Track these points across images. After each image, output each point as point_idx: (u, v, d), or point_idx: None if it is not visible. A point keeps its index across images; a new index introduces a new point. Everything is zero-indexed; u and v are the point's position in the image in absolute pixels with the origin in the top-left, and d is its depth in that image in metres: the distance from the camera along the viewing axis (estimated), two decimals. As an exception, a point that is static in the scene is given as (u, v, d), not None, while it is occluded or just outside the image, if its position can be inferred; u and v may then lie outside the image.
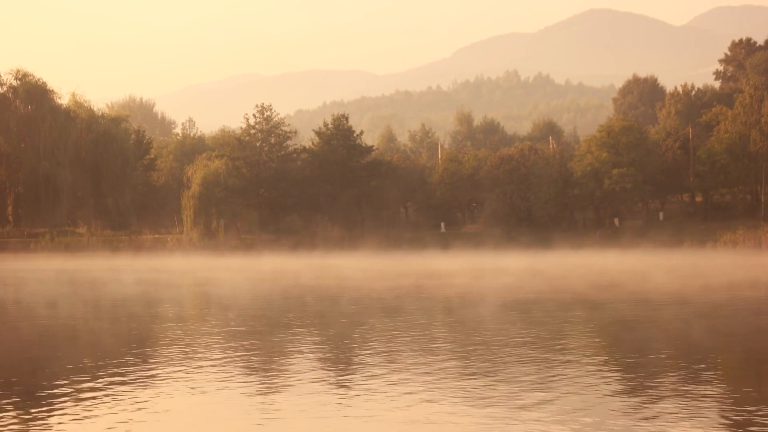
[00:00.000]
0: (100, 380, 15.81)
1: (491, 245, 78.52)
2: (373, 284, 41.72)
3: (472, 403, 13.47)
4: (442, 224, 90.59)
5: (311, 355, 18.84)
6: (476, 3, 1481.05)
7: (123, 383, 15.51)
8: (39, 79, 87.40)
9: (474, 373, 16.11)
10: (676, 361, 17.71)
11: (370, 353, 18.86)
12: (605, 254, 71.31)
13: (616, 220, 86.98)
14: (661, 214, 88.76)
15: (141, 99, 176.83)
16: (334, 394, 14.36)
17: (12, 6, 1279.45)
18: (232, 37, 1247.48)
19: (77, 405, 13.71)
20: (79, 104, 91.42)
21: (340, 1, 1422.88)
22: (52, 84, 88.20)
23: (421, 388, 14.70)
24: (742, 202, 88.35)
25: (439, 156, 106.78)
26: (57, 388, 15.08)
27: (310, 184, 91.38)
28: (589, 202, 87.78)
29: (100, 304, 32.19)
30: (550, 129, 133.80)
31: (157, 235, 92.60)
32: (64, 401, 14.00)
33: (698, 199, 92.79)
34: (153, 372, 16.75)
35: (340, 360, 18.09)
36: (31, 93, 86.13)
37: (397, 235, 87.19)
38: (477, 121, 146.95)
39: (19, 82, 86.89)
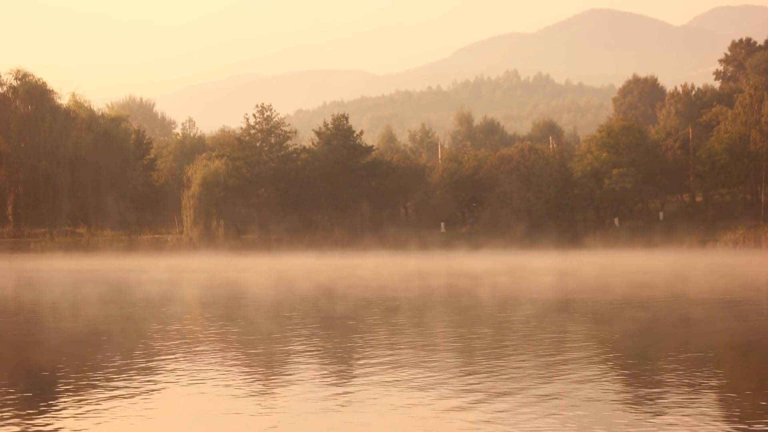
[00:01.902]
0: (121, 379, 15.84)
1: (501, 245, 78.62)
2: (407, 284, 41.14)
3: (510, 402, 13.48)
4: (442, 224, 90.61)
5: (347, 356, 18.62)
6: (476, 3, 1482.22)
7: (145, 383, 15.53)
8: (39, 79, 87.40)
9: (524, 373, 16.11)
10: (728, 360, 17.75)
11: (421, 356, 18.60)
12: (619, 254, 71.33)
13: (616, 220, 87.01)
14: (661, 214, 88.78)
15: (141, 99, 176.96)
16: (340, 394, 14.37)
17: (12, 6, 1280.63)
18: (232, 37, 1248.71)
19: (88, 404, 13.72)
20: (79, 104, 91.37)
21: (340, 1, 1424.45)
22: (52, 84, 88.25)
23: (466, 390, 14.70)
24: (742, 202, 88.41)
25: (439, 156, 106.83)
26: (63, 386, 15.11)
27: (310, 184, 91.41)
28: (589, 202, 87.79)
29: (137, 304, 32.05)
30: (550, 129, 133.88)
31: (156, 235, 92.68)
32: (74, 401, 14.01)
33: (698, 199, 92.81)
34: (168, 372, 16.74)
35: (373, 362, 17.80)
36: (31, 93, 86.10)
37: (400, 234, 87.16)
38: (477, 121, 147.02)
39: (19, 82, 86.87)
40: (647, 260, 63.53)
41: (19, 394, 14.66)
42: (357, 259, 69.30)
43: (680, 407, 12.96)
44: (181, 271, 58.82)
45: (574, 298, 32.69)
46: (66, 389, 14.98)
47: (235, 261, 71.96)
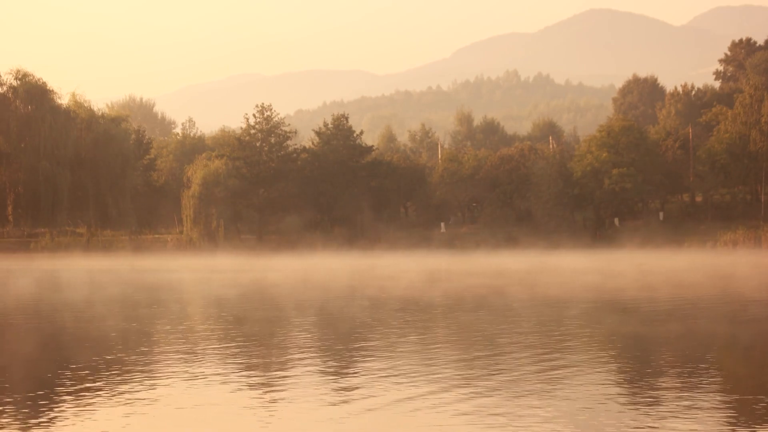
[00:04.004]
0: (135, 378, 15.92)
1: (513, 244, 78.60)
2: (451, 285, 40.70)
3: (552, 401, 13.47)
4: (442, 224, 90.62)
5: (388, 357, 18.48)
6: (476, 3, 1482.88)
7: (167, 382, 15.63)
8: (39, 79, 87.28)
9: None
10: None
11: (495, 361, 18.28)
12: (633, 254, 71.33)
13: (616, 220, 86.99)
14: (661, 214, 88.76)
15: (141, 99, 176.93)
16: (346, 393, 14.38)
17: (12, 6, 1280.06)
18: (232, 37, 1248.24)
19: (100, 402, 13.80)
20: (79, 104, 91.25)
21: (340, 1, 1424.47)
22: (52, 84, 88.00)
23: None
24: (742, 202, 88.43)
25: (439, 156, 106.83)
26: (73, 386, 15.15)
27: (310, 184, 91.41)
28: (589, 202, 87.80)
29: (178, 305, 31.99)
30: (550, 129, 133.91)
31: (156, 235, 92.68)
32: (85, 399, 14.06)
33: (698, 199, 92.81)
34: (188, 371, 16.78)
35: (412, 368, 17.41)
36: (31, 93, 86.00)
37: (403, 234, 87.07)
38: (477, 121, 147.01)
39: (19, 82, 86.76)
40: (671, 259, 63.62)
41: (59, 389, 14.87)
42: (380, 260, 69.18)
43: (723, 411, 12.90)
44: (203, 271, 58.56)
45: (622, 298, 32.56)
46: (104, 386, 15.09)
47: (252, 261, 71.56)
